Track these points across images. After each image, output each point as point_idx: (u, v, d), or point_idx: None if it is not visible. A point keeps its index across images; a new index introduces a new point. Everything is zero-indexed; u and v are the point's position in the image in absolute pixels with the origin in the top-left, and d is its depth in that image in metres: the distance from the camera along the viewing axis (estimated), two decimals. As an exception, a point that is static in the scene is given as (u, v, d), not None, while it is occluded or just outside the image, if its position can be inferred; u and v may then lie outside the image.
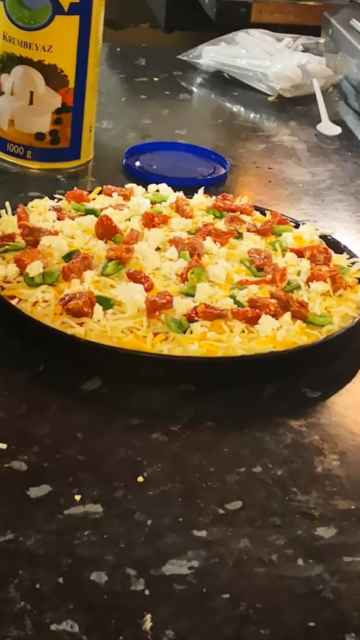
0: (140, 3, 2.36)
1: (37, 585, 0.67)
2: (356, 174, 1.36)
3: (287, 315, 0.94)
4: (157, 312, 0.92)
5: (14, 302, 0.93)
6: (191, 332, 0.91)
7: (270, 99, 1.58)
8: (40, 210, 1.09)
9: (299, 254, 1.05)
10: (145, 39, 2.36)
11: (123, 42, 2.08)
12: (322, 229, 1.13)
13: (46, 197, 1.13)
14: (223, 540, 0.73)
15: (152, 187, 1.18)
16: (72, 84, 1.22)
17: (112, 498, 0.75)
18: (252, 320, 0.93)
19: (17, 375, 0.88)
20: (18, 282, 0.96)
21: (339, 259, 1.06)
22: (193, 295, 0.96)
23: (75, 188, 1.15)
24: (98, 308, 0.92)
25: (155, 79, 1.62)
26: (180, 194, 1.15)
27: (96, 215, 1.07)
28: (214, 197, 1.16)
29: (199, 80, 1.64)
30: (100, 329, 0.90)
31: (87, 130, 1.26)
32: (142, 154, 1.32)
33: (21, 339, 0.92)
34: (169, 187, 1.17)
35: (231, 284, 0.99)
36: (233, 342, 0.90)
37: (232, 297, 0.96)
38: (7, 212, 1.09)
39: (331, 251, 1.06)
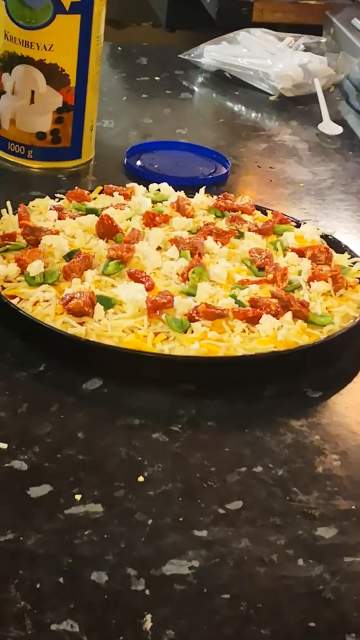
0: (141, 2, 2.36)
1: (38, 585, 0.67)
2: (357, 173, 1.36)
3: (288, 315, 0.94)
4: (158, 312, 0.92)
5: (14, 301, 0.93)
6: (192, 332, 0.91)
7: (271, 98, 1.58)
8: (41, 210, 1.09)
9: (300, 253, 1.05)
10: (146, 38, 2.36)
11: (124, 41, 2.08)
12: (323, 228, 1.13)
13: (47, 197, 1.13)
14: (224, 540, 0.73)
15: (153, 186, 1.18)
16: (73, 83, 1.22)
17: (112, 498, 0.75)
18: (253, 320, 0.93)
19: (18, 375, 0.88)
20: (19, 281, 0.96)
21: (340, 259, 1.06)
22: (194, 295, 0.96)
23: (76, 187, 1.15)
24: (99, 308, 0.92)
25: (157, 78, 1.62)
26: (181, 193, 1.15)
27: (97, 215, 1.07)
28: (215, 197, 1.16)
29: (200, 79, 1.64)
30: (101, 328, 0.90)
31: (88, 129, 1.26)
32: (143, 153, 1.32)
33: (22, 338, 0.92)
34: (170, 187, 1.17)
35: (232, 284, 0.99)
36: (234, 341, 0.90)
37: (233, 296, 0.96)
38: (8, 212, 1.09)
39: (332, 251, 1.06)
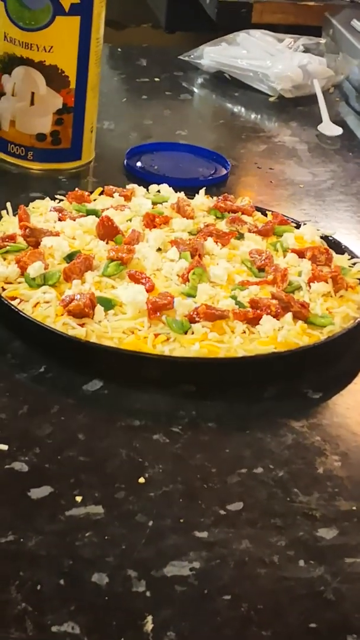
0: (141, 3, 2.36)
1: (38, 587, 0.67)
2: (357, 174, 1.36)
3: (289, 316, 0.94)
4: (158, 313, 0.92)
5: (15, 303, 0.93)
6: (192, 333, 0.91)
7: (271, 99, 1.58)
8: (41, 211, 1.09)
9: (300, 254, 1.05)
10: (146, 40, 2.36)
11: (124, 43, 2.08)
12: (323, 229, 1.13)
13: (47, 198, 1.13)
14: (224, 541, 0.73)
15: (153, 187, 1.18)
16: (73, 85, 1.22)
17: (113, 499, 0.75)
18: (253, 321, 0.93)
19: (19, 376, 0.88)
20: (19, 283, 0.96)
21: (340, 260, 1.06)
22: (194, 296, 0.96)
23: (76, 189, 1.15)
24: (99, 309, 0.92)
25: (157, 79, 1.62)
26: (182, 194, 1.15)
27: (97, 216, 1.07)
28: (215, 198, 1.16)
29: (200, 80, 1.64)
30: (102, 329, 0.90)
31: (88, 130, 1.26)
32: (143, 155, 1.32)
33: (22, 340, 0.92)
34: (170, 188, 1.17)
35: (232, 285, 0.99)
36: (234, 342, 0.90)
37: (233, 297, 0.96)
38: (8, 213, 1.09)
39: (332, 252, 1.06)
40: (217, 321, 0.92)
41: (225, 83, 1.62)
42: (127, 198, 1.14)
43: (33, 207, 1.10)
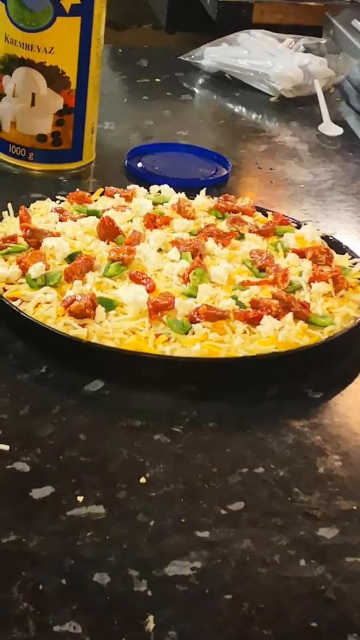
0: (141, 4, 2.36)
1: (40, 587, 0.67)
2: (358, 174, 1.36)
3: (289, 316, 0.94)
4: (159, 313, 0.92)
5: (16, 303, 0.93)
6: (193, 333, 0.91)
7: (271, 99, 1.58)
8: (42, 212, 1.10)
9: (301, 254, 1.05)
10: (147, 40, 2.36)
11: (125, 44, 2.08)
12: (324, 229, 1.13)
13: (48, 199, 1.13)
14: (226, 541, 0.73)
15: (154, 188, 1.18)
16: (73, 86, 1.22)
17: (114, 499, 0.76)
18: (254, 321, 0.93)
19: (20, 377, 0.88)
20: (20, 283, 0.96)
21: (340, 260, 1.06)
22: (195, 296, 0.96)
23: (77, 189, 1.15)
24: (100, 309, 0.92)
25: (157, 80, 1.62)
26: (182, 195, 1.15)
27: (98, 217, 1.07)
28: (215, 198, 1.16)
29: (200, 81, 1.64)
30: (103, 330, 0.90)
31: (89, 131, 1.26)
32: (144, 155, 1.32)
33: (23, 340, 0.92)
34: (171, 188, 1.17)
35: (233, 285, 0.99)
36: (235, 343, 0.90)
37: (234, 298, 0.96)
38: (9, 214, 1.09)
39: (333, 252, 1.06)
40: (217, 321, 0.92)
41: (225, 83, 1.62)
42: (128, 199, 1.14)
43: (34, 208, 1.11)
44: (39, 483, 0.76)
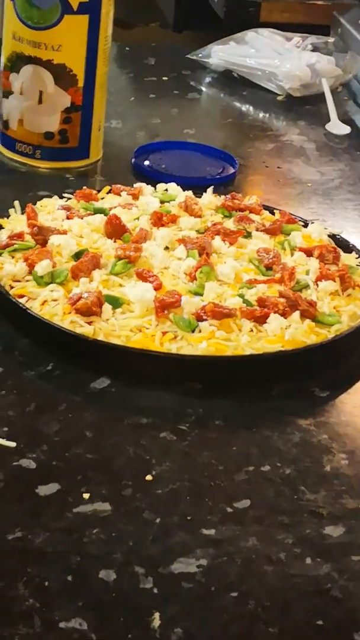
0: (149, 3, 2.36)
1: (46, 583, 0.68)
2: (365, 173, 1.36)
3: (296, 315, 0.94)
4: (165, 311, 0.92)
5: (23, 301, 0.93)
6: (200, 331, 0.91)
7: (279, 98, 1.58)
8: (49, 210, 1.10)
9: (308, 253, 1.05)
10: (154, 39, 2.36)
11: (132, 42, 2.08)
12: (331, 228, 1.13)
13: (55, 196, 1.13)
14: (231, 538, 0.73)
15: (161, 186, 1.18)
16: (81, 83, 1.22)
17: (120, 496, 0.76)
18: (261, 320, 0.93)
19: (26, 374, 0.88)
20: (27, 280, 0.96)
21: (347, 258, 1.06)
22: (202, 294, 0.96)
23: (84, 187, 1.15)
24: (107, 307, 0.92)
25: (165, 78, 1.62)
26: (189, 193, 1.15)
27: (105, 215, 1.07)
28: (222, 197, 1.16)
29: (208, 79, 1.64)
30: (109, 327, 0.90)
31: (96, 129, 1.26)
32: (151, 153, 1.32)
33: (30, 338, 0.92)
34: (178, 187, 1.17)
35: (240, 283, 0.99)
36: (241, 341, 0.90)
37: (241, 296, 0.96)
38: (16, 211, 1.09)
39: (340, 250, 1.06)
40: (224, 319, 0.92)
41: (233, 82, 1.62)
42: (135, 196, 1.14)
43: (41, 206, 1.11)
44: (45, 480, 0.76)
